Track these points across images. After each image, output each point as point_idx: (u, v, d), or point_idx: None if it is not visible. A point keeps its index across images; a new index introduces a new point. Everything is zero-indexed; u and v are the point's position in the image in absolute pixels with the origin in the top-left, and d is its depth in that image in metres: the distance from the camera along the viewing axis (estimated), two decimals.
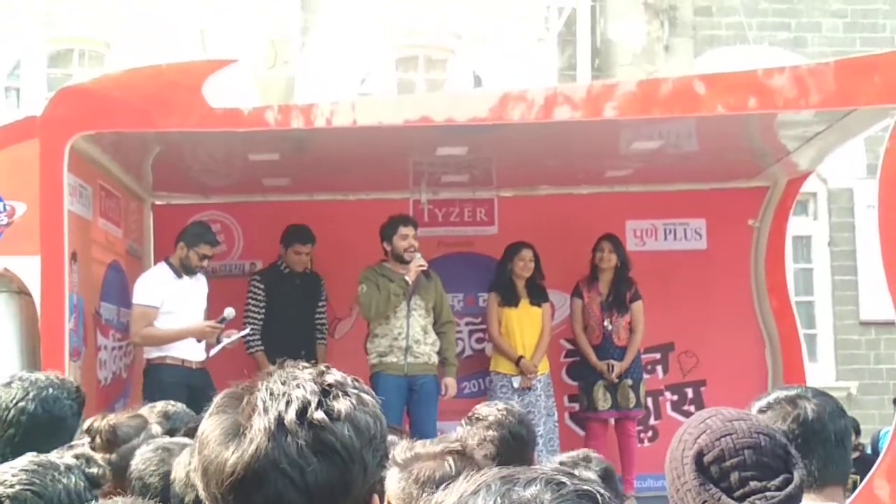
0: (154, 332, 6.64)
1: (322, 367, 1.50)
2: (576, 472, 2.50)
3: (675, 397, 8.21)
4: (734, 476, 2.14)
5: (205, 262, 6.92)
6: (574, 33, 10.79)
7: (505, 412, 3.46)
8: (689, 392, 8.21)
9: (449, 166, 7.62)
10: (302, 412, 1.41)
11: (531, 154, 7.23)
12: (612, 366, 7.66)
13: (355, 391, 1.47)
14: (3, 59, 10.48)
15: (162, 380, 6.41)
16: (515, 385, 7.51)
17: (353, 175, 7.66)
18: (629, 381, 7.67)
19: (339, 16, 10.63)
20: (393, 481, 2.38)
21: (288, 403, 1.41)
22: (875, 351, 11.01)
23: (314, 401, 1.42)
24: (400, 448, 2.44)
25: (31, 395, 3.07)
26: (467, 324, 8.08)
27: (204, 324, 6.69)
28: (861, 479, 6.12)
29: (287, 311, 7.45)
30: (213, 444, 1.43)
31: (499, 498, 1.08)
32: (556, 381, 7.83)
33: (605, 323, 7.76)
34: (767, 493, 2.13)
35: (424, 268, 7.16)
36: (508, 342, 7.63)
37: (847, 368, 10.97)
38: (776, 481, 2.14)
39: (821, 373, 10.50)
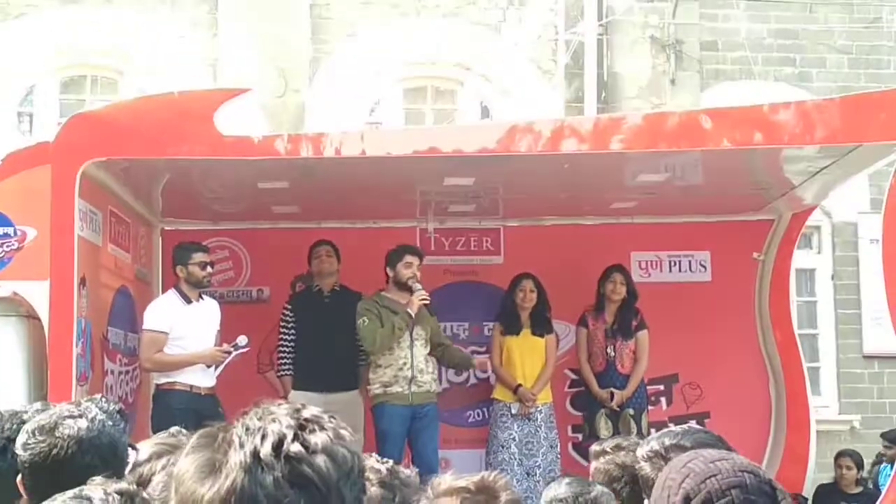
0: (164, 357, 6.66)
1: (299, 404, 1.49)
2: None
3: None
4: None
5: (208, 270, 6.87)
6: (581, 66, 10.87)
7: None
8: (693, 424, 8.20)
9: (456, 196, 7.67)
10: (278, 445, 1.39)
11: (538, 185, 7.28)
12: (614, 394, 7.68)
13: (332, 425, 1.46)
14: (17, 84, 10.55)
15: (170, 405, 6.42)
16: (513, 411, 7.51)
17: (360, 203, 7.70)
18: (630, 411, 7.66)
19: (349, 46, 10.72)
20: None
21: (264, 437, 1.40)
22: (878, 385, 10.99)
23: (290, 434, 1.41)
24: (435, 481, 2.42)
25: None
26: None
27: (213, 349, 6.71)
28: None
29: (318, 333, 7.41)
30: (189, 481, 1.40)
31: None
32: (559, 412, 7.83)
33: (609, 349, 7.78)
34: None
35: (427, 301, 7.14)
36: (509, 371, 7.64)
37: (850, 402, 10.95)
38: None
39: (824, 406, 10.50)
